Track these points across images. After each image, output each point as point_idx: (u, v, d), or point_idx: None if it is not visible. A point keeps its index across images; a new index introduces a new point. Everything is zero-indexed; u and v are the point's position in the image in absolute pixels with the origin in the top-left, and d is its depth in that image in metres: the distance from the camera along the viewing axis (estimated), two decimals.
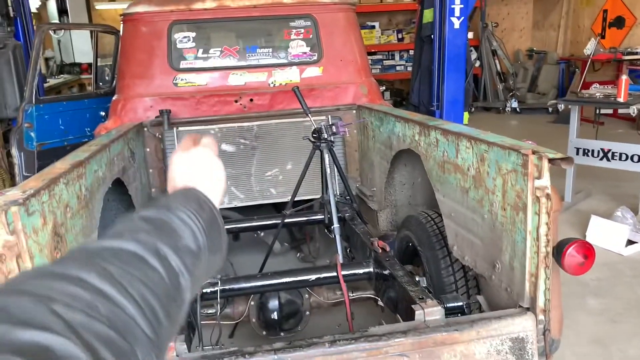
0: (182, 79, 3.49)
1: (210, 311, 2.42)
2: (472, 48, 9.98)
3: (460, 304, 1.92)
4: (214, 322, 2.45)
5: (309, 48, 3.63)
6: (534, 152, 1.65)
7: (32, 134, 3.93)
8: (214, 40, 3.65)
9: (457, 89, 4.71)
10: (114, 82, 4.23)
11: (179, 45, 3.50)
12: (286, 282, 2.42)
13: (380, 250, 2.38)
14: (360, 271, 2.46)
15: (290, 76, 3.59)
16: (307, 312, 2.58)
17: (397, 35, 10.16)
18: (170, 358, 1.68)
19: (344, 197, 3.16)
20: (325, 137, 2.71)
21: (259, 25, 3.68)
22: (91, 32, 5.41)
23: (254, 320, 2.54)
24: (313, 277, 2.42)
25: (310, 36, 3.62)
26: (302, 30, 3.61)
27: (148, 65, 3.46)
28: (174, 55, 3.49)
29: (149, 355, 0.51)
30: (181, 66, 3.50)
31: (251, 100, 3.53)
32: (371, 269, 2.43)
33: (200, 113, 3.47)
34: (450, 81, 4.66)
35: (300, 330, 2.58)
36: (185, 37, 3.51)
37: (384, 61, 10.30)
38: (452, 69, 4.65)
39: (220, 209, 3.31)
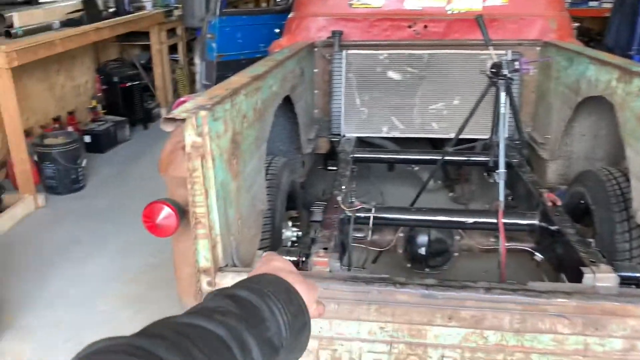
0: (357, 0, 3.42)
1: (358, 235, 2.47)
2: None
3: (639, 275, 1.72)
4: (362, 246, 2.50)
5: None
6: None
7: (214, 45, 4.15)
8: None
9: None
10: None
11: None
12: (441, 220, 2.36)
13: (550, 204, 2.19)
14: (524, 222, 2.30)
15: (471, 3, 3.33)
16: (456, 254, 2.51)
17: None
18: (322, 272, 1.74)
19: (512, 141, 2.95)
20: (505, 73, 2.49)
21: None
22: None
23: (400, 251, 2.55)
24: (471, 220, 2.33)
25: None
26: None
27: None
28: None
29: None
30: None
31: (425, 27, 3.36)
32: (536, 222, 2.26)
33: (371, 36, 3.40)
34: None
35: (446, 269, 2.54)
36: None
37: None
38: None
39: (378, 137, 3.23)
